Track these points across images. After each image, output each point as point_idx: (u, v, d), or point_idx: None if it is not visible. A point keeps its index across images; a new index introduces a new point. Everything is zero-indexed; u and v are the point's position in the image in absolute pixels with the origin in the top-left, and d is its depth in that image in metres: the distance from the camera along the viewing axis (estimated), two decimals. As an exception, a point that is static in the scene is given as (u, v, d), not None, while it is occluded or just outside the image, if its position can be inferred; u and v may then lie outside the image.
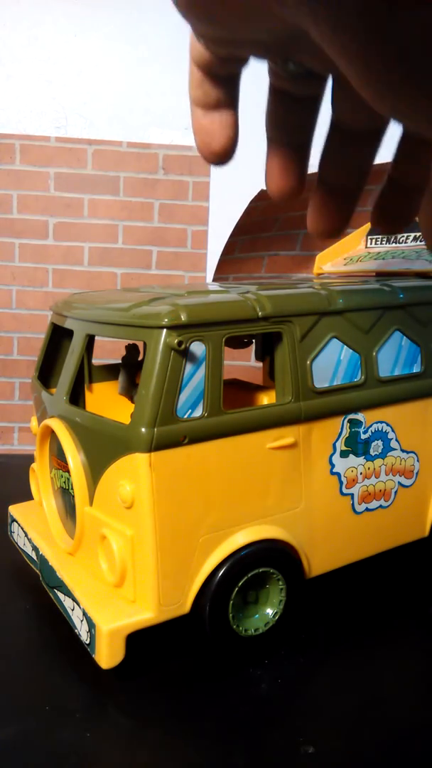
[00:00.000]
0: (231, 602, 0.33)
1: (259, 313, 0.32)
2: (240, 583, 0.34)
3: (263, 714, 0.30)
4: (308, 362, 0.35)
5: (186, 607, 0.33)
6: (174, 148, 0.85)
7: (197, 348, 0.31)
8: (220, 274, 0.88)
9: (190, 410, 0.31)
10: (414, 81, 0.13)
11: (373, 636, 0.37)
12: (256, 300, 0.32)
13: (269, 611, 0.35)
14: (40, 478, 0.42)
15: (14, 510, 0.46)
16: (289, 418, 0.34)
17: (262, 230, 0.89)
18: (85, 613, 0.32)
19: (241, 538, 0.33)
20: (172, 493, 0.31)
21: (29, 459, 0.80)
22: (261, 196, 0.83)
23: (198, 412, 0.31)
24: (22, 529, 0.43)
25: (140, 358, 0.47)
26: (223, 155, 0.29)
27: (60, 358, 0.45)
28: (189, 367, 0.31)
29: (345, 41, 0.14)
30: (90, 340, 0.41)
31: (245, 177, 0.82)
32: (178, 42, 0.85)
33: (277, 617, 0.35)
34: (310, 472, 0.36)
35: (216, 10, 0.20)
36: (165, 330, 0.30)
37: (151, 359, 0.31)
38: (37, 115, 0.85)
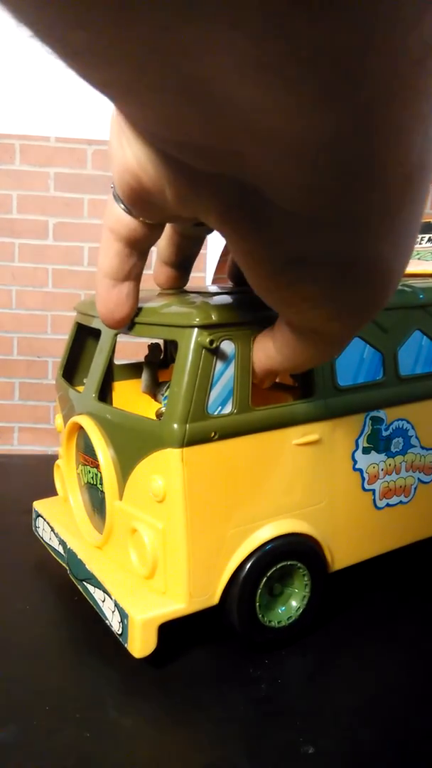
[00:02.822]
0: (259, 593, 0.34)
1: None
2: (267, 575, 0.34)
3: (263, 714, 0.30)
4: (332, 360, 0.36)
5: (215, 598, 0.33)
6: (174, 148, 0.85)
7: (227, 347, 0.32)
8: (219, 274, 0.88)
9: (220, 407, 0.32)
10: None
11: (374, 636, 0.37)
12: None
13: (294, 604, 0.36)
14: (66, 475, 0.43)
15: (39, 505, 0.47)
16: (314, 415, 0.35)
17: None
18: (117, 604, 0.33)
19: (268, 532, 0.34)
20: (203, 488, 0.32)
21: (29, 459, 0.81)
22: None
23: (228, 409, 0.32)
24: (47, 524, 0.44)
25: (161, 356, 0.47)
26: (124, 323, 0.33)
27: (83, 358, 0.46)
28: (219, 365, 0.32)
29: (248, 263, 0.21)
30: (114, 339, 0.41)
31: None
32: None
33: (301, 610, 0.36)
34: (333, 468, 0.37)
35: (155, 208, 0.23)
36: (196, 329, 0.31)
37: (182, 358, 0.31)
38: (37, 115, 0.85)
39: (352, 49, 0.11)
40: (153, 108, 0.14)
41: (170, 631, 0.35)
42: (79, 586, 0.38)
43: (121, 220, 0.26)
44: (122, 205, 0.25)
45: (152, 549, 0.33)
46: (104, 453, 0.36)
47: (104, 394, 0.39)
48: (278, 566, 0.35)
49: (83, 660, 0.35)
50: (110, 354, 0.38)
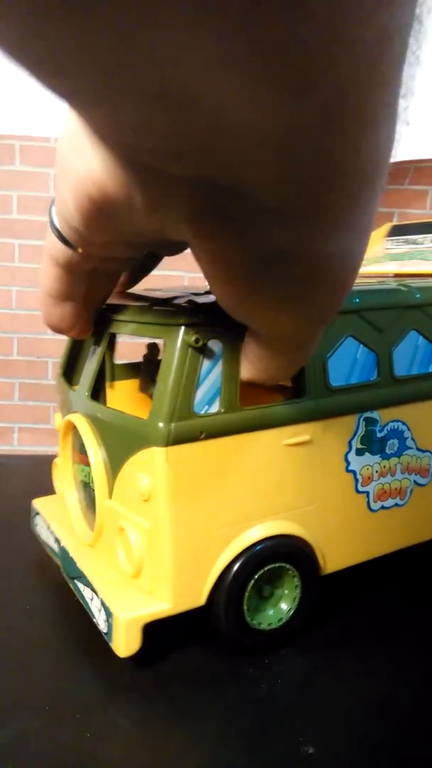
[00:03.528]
0: (246, 595, 0.34)
1: None
2: (255, 577, 0.34)
3: (263, 714, 0.30)
4: (324, 360, 0.35)
5: (202, 599, 0.33)
6: (174, 149, 0.86)
7: (214, 345, 0.31)
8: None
9: (207, 406, 0.32)
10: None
11: (374, 636, 0.37)
12: None
13: (284, 606, 0.36)
14: (63, 473, 0.43)
15: (37, 503, 0.47)
16: (305, 415, 0.35)
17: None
18: (103, 603, 0.33)
19: (256, 533, 0.34)
20: (189, 487, 0.32)
21: (29, 459, 0.81)
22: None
23: (215, 408, 0.32)
24: (44, 521, 0.44)
25: (159, 355, 0.47)
26: (79, 336, 0.33)
27: (84, 357, 0.46)
28: (206, 364, 0.31)
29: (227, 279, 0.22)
30: (112, 339, 0.41)
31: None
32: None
33: (291, 613, 0.36)
34: (325, 469, 0.36)
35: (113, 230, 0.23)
36: (183, 327, 0.31)
37: (169, 356, 0.31)
38: (37, 116, 0.85)
39: (314, 40, 0.11)
40: (122, 115, 0.14)
41: (170, 631, 0.35)
42: (71, 585, 0.38)
43: (58, 247, 0.26)
44: (58, 235, 0.25)
45: (138, 548, 0.33)
46: (95, 451, 0.36)
47: (98, 392, 0.39)
48: (267, 568, 0.34)
49: (83, 660, 0.35)
50: (103, 353, 0.38)
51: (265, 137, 0.14)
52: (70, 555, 0.38)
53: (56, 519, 0.43)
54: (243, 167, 0.16)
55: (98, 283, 0.32)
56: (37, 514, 0.46)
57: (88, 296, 0.31)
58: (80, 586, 0.37)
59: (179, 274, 0.87)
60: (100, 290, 0.33)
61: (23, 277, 0.86)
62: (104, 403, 0.40)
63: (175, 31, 0.11)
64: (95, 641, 0.36)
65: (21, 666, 0.34)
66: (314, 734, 0.29)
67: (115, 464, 0.35)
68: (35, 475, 0.73)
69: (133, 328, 0.35)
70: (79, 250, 0.26)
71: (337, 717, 0.30)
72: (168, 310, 0.32)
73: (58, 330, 0.32)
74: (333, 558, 0.37)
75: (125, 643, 0.32)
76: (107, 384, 0.46)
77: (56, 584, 0.43)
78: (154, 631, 0.32)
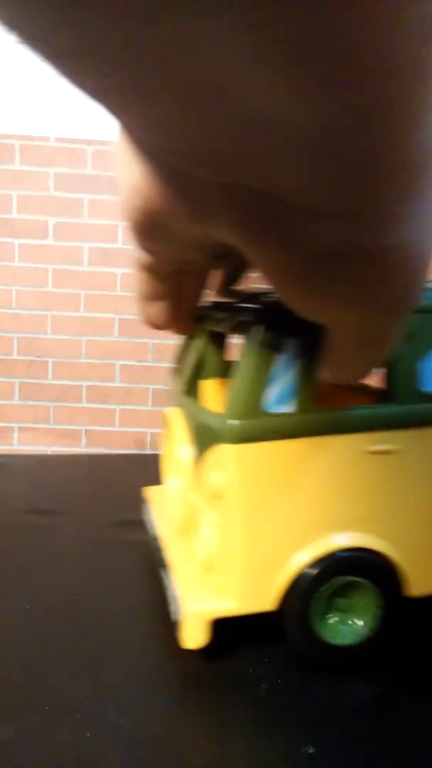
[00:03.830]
0: (319, 605, 0.33)
1: None
2: (330, 588, 0.33)
3: (263, 714, 0.30)
4: (416, 364, 0.33)
5: (271, 603, 0.33)
6: (174, 148, 0.85)
7: (289, 343, 0.31)
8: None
9: (279, 405, 0.31)
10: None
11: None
12: None
13: (360, 623, 0.34)
14: (165, 464, 0.44)
15: (147, 491, 0.49)
16: (392, 422, 0.32)
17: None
18: (178, 594, 0.33)
19: (331, 543, 0.32)
20: (259, 487, 0.31)
21: (29, 459, 0.81)
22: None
23: (288, 408, 0.31)
24: (149, 509, 0.46)
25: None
26: (166, 329, 0.33)
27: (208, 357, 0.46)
28: (280, 363, 0.31)
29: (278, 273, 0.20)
30: (216, 336, 0.41)
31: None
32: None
33: (370, 632, 0.34)
34: (415, 482, 0.34)
35: (160, 240, 0.24)
36: (258, 324, 0.31)
37: (243, 353, 0.31)
38: (37, 115, 0.85)
39: (356, 28, 0.10)
40: (151, 114, 0.14)
41: (170, 631, 0.34)
42: (160, 573, 0.39)
43: (137, 252, 0.27)
44: (136, 244, 0.25)
45: (211, 544, 0.33)
46: (181, 445, 0.37)
47: (193, 388, 0.40)
48: (341, 580, 0.33)
49: (83, 660, 0.35)
50: (200, 349, 0.39)
51: (301, 136, 0.13)
52: (161, 544, 0.39)
53: (158, 508, 0.45)
54: (279, 170, 0.15)
55: (188, 282, 0.33)
56: (146, 501, 0.48)
57: (178, 295, 0.32)
58: (165, 575, 0.37)
59: (179, 274, 0.87)
60: (191, 289, 0.34)
61: (23, 276, 0.86)
62: (196, 398, 0.41)
63: (203, 19, 0.10)
64: (95, 641, 0.36)
65: (21, 666, 0.34)
66: (314, 734, 0.29)
67: (198, 459, 0.35)
68: (35, 475, 0.73)
69: (218, 325, 0.35)
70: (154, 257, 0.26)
71: (337, 717, 0.30)
72: (246, 307, 0.32)
73: (155, 327, 0.32)
74: (421, 580, 0.34)
75: (191, 635, 0.32)
76: (219, 380, 0.46)
77: (57, 584, 0.43)
78: (151, 632, 0.32)
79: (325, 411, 0.32)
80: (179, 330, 0.35)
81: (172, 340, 0.90)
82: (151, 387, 0.90)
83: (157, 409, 0.90)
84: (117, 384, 0.90)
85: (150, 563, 0.47)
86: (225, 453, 0.31)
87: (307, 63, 0.11)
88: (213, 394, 0.42)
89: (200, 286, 0.35)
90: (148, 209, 0.20)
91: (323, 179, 0.15)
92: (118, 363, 0.89)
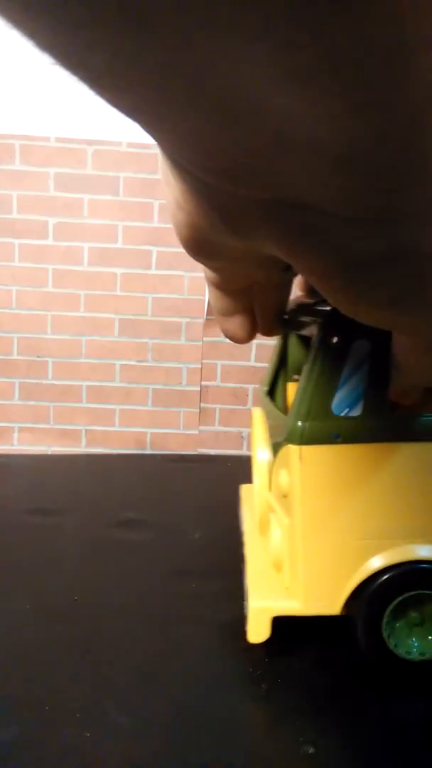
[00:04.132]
0: (387, 616, 0.32)
1: None
2: (399, 599, 0.32)
3: (263, 714, 0.30)
4: None
5: (336, 608, 0.32)
6: (174, 148, 0.85)
7: (361, 346, 0.30)
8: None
9: (347, 409, 0.31)
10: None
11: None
12: None
13: (431, 639, 0.33)
14: (253, 461, 0.44)
15: (242, 489, 0.50)
16: None
17: (262, 230, 0.88)
18: (248, 588, 0.34)
19: (407, 553, 0.31)
20: (324, 489, 0.31)
21: (29, 459, 0.81)
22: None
23: (356, 412, 0.31)
24: (240, 507, 0.47)
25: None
26: (246, 342, 0.33)
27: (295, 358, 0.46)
28: (350, 365, 0.30)
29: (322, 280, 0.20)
30: (304, 337, 0.41)
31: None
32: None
33: None
34: None
35: (214, 260, 0.23)
36: (325, 326, 0.30)
37: (312, 354, 0.31)
38: (37, 115, 0.85)
39: (395, 49, 0.10)
40: (183, 131, 0.14)
41: (169, 631, 0.35)
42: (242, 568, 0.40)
43: (206, 270, 0.26)
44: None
45: (279, 543, 0.34)
46: (258, 444, 0.37)
47: (274, 389, 0.41)
48: (412, 593, 0.32)
49: (83, 660, 0.35)
50: (280, 351, 0.40)
51: (334, 153, 0.13)
52: (243, 539, 0.40)
53: (247, 504, 0.46)
54: (311, 183, 0.15)
55: (264, 295, 0.32)
56: (239, 498, 0.49)
57: (257, 307, 0.31)
58: (244, 570, 0.38)
59: (179, 274, 0.87)
60: (268, 301, 0.33)
61: (23, 276, 0.86)
62: (276, 399, 0.41)
63: (239, 42, 0.10)
64: (95, 641, 0.36)
65: (21, 666, 0.34)
66: (314, 734, 0.29)
67: (273, 458, 0.36)
68: (35, 475, 0.73)
69: (296, 324, 0.35)
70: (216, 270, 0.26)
71: (337, 717, 0.30)
72: (319, 309, 0.32)
73: (236, 341, 0.32)
74: None
75: (253, 630, 0.33)
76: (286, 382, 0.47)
77: (57, 584, 0.43)
78: (150, 631, 0.32)
79: (397, 416, 0.31)
80: (266, 335, 0.34)
81: (172, 341, 0.90)
82: (151, 387, 0.90)
83: (157, 409, 0.90)
84: (117, 384, 0.90)
85: (150, 563, 0.47)
86: (291, 453, 0.31)
87: (343, 84, 0.11)
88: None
89: (279, 296, 0.33)
90: (190, 224, 0.20)
91: (358, 190, 0.15)
92: (118, 363, 0.89)
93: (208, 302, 0.30)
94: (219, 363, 0.91)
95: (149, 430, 0.91)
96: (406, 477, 0.31)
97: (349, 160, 0.13)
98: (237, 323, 0.31)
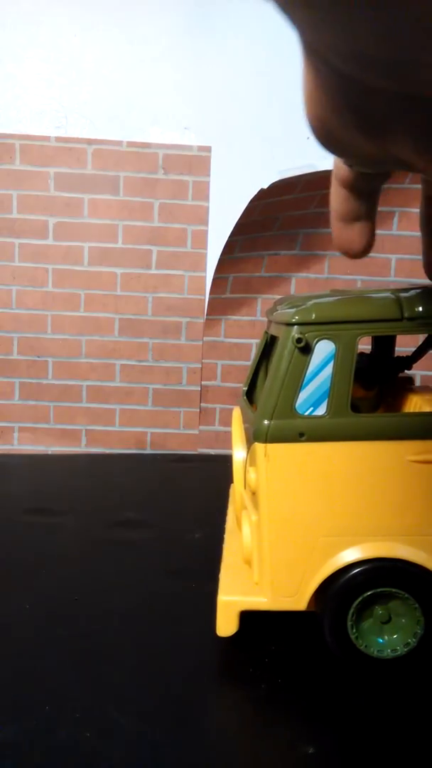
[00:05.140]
0: (352, 612, 0.32)
1: (405, 314, 0.30)
2: (364, 596, 0.32)
3: (263, 714, 0.30)
4: None
5: (302, 603, 0.33)
6: (174, 148, 0.85)
7: (325, 346, 0.31)
8: (220, 273, 0.88)
9: (311, 408, 0.31)
10: None
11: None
12: (396, 299, 0.31)
13: (398, 637, 0.33)
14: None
15: (231, 488, 0.50)
16: None
17: (262, 230, 0.88)
18: (219, 583, 0.35)
19: (372, 551, 0.32)
20: (288, 487, 0.32)
21: (29, 459, 0.80)
22: (261, 195, 0.83)
23: (320, 411, 0.31)
24: (228, 506, 0.47)
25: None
26: (361, 256, 0.30)
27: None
28: (313, 365, 0.31)
29: None
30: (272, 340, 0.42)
31: (245, 177, 0.82)
32: (178, 42, 0.86)
33: (408, 646, 0.33)
34: None
35: (350, 154, 0.22)
36: (294, 327, 0.31)
37: (277, 354, 0.32)
38: (37, 115, 0.85)
39: None
40: (322, 11, 0.13)
41: (169, 631, 0.34)
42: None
43: (337, 164, 0.26)
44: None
45: (248, 539, 0.34)
46: (234, 443, 0.38)
47: (252, 390, 0.41)
48: (381, 591, 0.32)
49: (83, 660, 0.34)
50: (259, 352, 0.40)
51: None
52: (224, 536, 0.41)
53: (231, 502, 0.46)
54: None
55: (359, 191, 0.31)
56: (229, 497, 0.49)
57: (374, 217, 0.31)
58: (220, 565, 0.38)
59: (179, 274, 0.87)
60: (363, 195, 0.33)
61: (23, 276, 0.86)
62: (255, 399, 0.42)
63: None
64: (95, 641, 0.36)
65: (21, 666, 0.34)
66: (314, 734, 0.29)
67: (246, 456, 0.36)
68: (35, 475, 0.73)
69: (273, 328, 0.36)
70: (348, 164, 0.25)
71: (337, 717, 0.30)
72: (290, 311, 0.32)
73: (352, 254, 0.31)
74: None
75: (220, 623, 0.33)
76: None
77: (57, 583, 0.43)
78: (150, 632, 0.32)
79: (361, 417, 0.31)
80: (359, 254, 0.31)
81: (172, 341, 0.90)
82: (151, 387, 0.90)
83: (157, 409, 0.90)
84: (117, 384, 0.90)
85: (150, 563, 0.47)
86: (257, 451, 0.32)
87: None
88: None
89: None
90: (319, 117, 0.20)
91: None
92: (118, 363, 0.89)
93: (332, 204, 0.29)
94: (219, 363, 0.91)
95: (149, 430, 0.91)
96: (368, 476, 0.32)
97: None
98: (357, 231, 0.29)
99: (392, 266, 0.88)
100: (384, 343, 0.44)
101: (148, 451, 0.91)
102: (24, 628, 0.38)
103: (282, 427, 0.31)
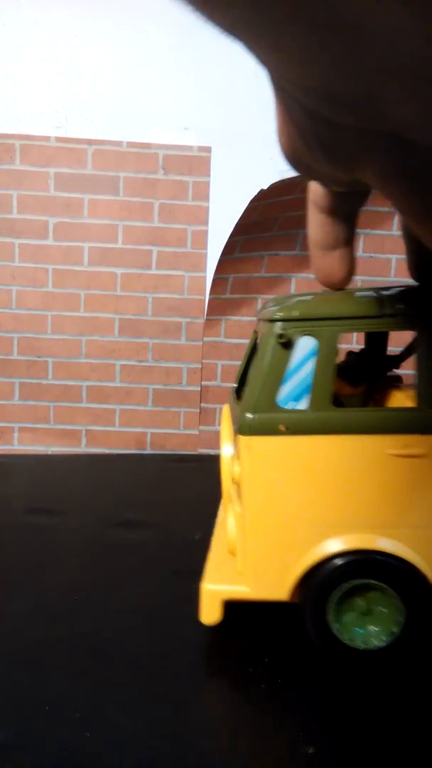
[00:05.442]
0: (332, 603, 0.33)
1: (385, 311, 0.31)
2: (344, 587, 0.33)
3: (263, 714, 0.30)
4: None
5: (284, 593, 0.33)
6: (174, 148, 0.85)
7: (307, 342, 0.31)
8: (220, 274, 0.88)
9: (293, 402, 0.32)
10: None
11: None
12: (378, 297, 0.31)
13: (378, 628, 0.33)
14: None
15: None
16: (418, 426, 0.32)
17: (262, 230, 0.89)
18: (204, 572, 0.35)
19: (351, 543, 0.32)
20: (270, 479, 0.32)
21: (29, 459, 0.80)
22: (261, 195, 0.83)
23: (302, 405, 0.32)
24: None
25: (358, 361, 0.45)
26: (343, 285, 0.31)
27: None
28: (295, 360, 0.32)
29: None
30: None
31: (245, 177, 0.82)
32: (178, 42, 0.86)
33: (390, 638, 0.33)
34: None
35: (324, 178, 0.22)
36: (276, 323, 0.32)
37: (261, 350, 0.32)
38: (37, 115, 0.85)
39: None
40: (283, 49, 0.13)
41: (169, 631, 0.34)
42: None
43: (313, 189, 0.26)
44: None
45: (233, 529, 0.35)
46: (223, 439, 0.38)
47: (242, 387, 0.42)
48: (362, 583, 0.32)
49: (83, 660, 0.35)
50: (248, 351, 0.41)
51: None
52: (215, 528, 0.42)
53: (223, 498, 0.47)
54: (419, 117, 0.14)
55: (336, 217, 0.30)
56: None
57: (353, 242, 0.30)
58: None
59: (179, 274, 0.87)
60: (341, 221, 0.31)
61: (23, 276, 0.86)
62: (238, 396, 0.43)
63: None
64: (95, 641, 0.36)
65: (21, 666, 0.34)
66: (314, 734, 0.29)
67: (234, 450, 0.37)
68: (35, 475, 0.73)
69: (260, 325, 0.36)
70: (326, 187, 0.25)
71: (337, 717, 0.30)
72: (271, 308, 0.33)
73: (327, 281, 0.31)
74: None
75: (204, 611, 0.34)
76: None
77: (57, 584, 0.43)
78: (149, 632, 0.32)
79: (342, 411, 0.32)
80: (341, 282, 0.31)
81: (172, 341, 0.90)
82: (151, 387, 0.90)
83: (157, 409, 0.90)
84: (117, 384, 0.90)
85: (150, 563, 0.47)
86: (241, 444, 0.32)
87: None
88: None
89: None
90: (290, 148, 0.20)
91: None
92: (118, 363, 0.89)
93: (310, 233, 0.29)
94: (219, 363, 0.91)
95: (149, 430, 0.91)
96: (348, 468, 0.32)
97: None
98: (338, 258, 0.29)
99: (392, 266, 0.88)
100: (376, 342, 0.44)
101: (148, 451, 0.91)
102: (24, 628, 0.38)
103: (264, 420, 0.32)
